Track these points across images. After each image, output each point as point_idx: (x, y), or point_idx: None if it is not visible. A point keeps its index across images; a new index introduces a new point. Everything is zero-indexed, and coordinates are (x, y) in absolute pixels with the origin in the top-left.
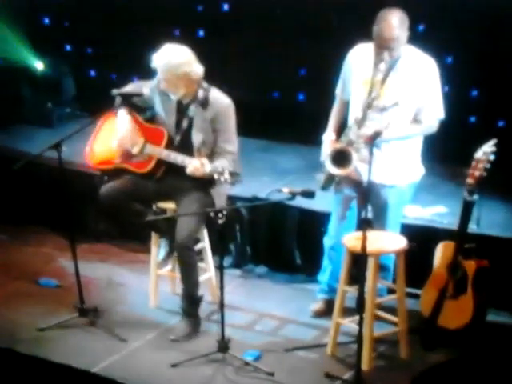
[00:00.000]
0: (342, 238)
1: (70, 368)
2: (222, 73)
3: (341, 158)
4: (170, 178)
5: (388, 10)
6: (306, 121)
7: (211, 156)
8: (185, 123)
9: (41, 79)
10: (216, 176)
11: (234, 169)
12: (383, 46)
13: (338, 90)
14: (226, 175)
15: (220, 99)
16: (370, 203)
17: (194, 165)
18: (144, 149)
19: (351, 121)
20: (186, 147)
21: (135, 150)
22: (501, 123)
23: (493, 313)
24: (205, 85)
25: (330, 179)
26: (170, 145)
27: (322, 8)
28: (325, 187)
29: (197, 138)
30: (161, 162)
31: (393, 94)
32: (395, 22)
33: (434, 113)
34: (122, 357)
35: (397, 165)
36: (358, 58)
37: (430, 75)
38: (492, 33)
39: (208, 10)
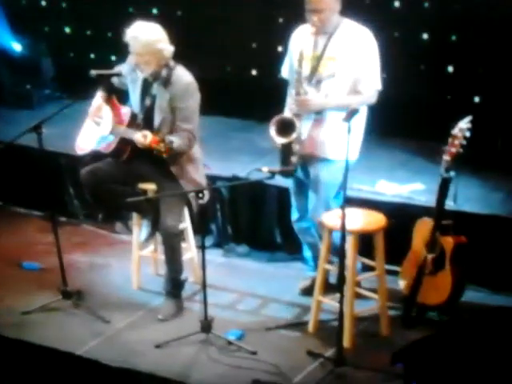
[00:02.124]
0: (301, 210)
1: (54, 351)
2: (198, 50)
3: (285, 127)
4: (141, 161)
5: None
6: (284, 99)
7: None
8: (148, 101)
9: (19, 61)
10: (155, 145)
11: (187, 146)
12: (312, 9)
13: (285, 72)
14: (162, 145)
15: (181, 78)
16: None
17: (137, 138)
18: (113, 130)
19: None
20: (148, 125)
21: (106, 131)
22: (476, 99)
23: (471, 288)
24: (171, 63)
25: (288, 172)
26: (133, 123)
27: None
28: (287, 173)
29: (157, 116)
30: (124, 142)
31: (330, 65)
32: None
33: (371, 84)
34: (106, 338)
35: (333, 140)
36: (299, 38)
37: (366, 46)
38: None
39: None
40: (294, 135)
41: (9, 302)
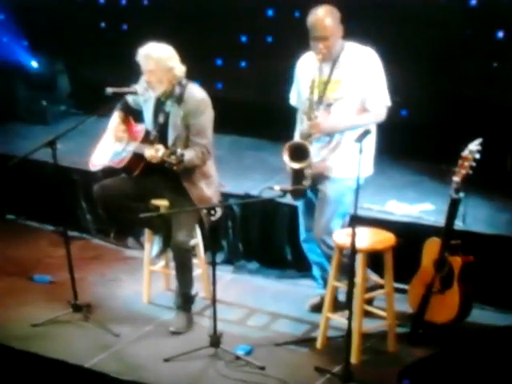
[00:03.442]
0: (309, 230)
1: (63, 363)
2: (215, 72)
3: (298, 152)
4: (154, 177)
5: (316, 6)
6: (294, 120)
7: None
8: (161, 118)
9: (35, 77)
10: (167, 158)
11: (200, 159)
12: (317, 36)
13: (293, 100)
14: (173, 158)
15: (193, 95)
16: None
17: (150, 152)
18: (126, 146)
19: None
20: (162, 142)
21: (119, 147)
22: (486, 121)
23: (477, 307)
24: (183, 81)
25: (299, 191)
26: (146, 140)
27: None
28: (298, 192)
29: (171, 133)
30: (137, 158)
31: (337, 88)
32: (324, 12)
33: (380, 101)
34: (115, 352)
35: (342, 159)
36: (305, 65)
37: (371, 65)
38: None
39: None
40: (308, 161)
41: (19, 314)
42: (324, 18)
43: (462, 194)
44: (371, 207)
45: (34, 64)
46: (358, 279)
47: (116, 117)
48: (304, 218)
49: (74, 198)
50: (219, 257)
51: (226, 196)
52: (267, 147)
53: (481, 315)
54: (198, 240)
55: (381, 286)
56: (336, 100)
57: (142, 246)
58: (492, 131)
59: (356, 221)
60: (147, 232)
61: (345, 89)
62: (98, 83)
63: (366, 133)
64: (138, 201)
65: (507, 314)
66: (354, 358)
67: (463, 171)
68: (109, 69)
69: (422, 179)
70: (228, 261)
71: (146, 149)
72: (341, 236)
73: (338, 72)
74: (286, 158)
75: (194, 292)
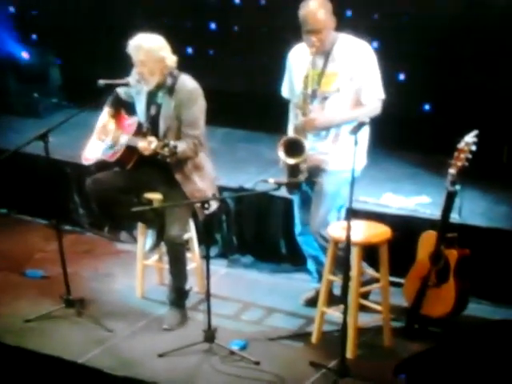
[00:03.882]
0: (305, 223)
1: (56, 359)
2: (209, 63)
3: (293, 146)
4: (147, 170)
5: None
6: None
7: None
8: (153, 110)
9: (27, 69)
10: (160, 150)
11: (193, 151)
12: (310, 29)
13: (285, 92)
14: (166, 150)
15: (185, 85)
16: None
17: (142, 144)
18: (118, 139)
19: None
20: (154, 134)
21: (109, 141)
22: (483, 113)
23: (473, 301)
24: (175, 72)
25: (293, 184)
26: (139, 132)
27: None
28: (293, 185)
29: (163, 124)
30: (130, 151)
31: (334, 81)
32: (316, 4)
33: (374, 94)
34: (109, 347)
35: (338, 151)
36: (298, 57)
37: (365, 58)
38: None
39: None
40: (303, 156)
41: (11, 309)
42: (316, 10)
43: (458, 187)
44: (367, 200)
45: (25, 55)
46: (354, 273)
47: (105, 113)
48: (300, 211)
49: (67, 191)
50: (213, 251)
51: (220, 189)
52: (261, 140)
53: (477, 309)
54: (191, 234)
55: (376, 280)
56: (333, 93)
57: (135, 240)
58: (488, 123)
59: (351, 214)
60: (140, 226)
61: (341, 81)
62: (90, 75)
63: (361, 125)
64: (131, 194)
65: (503, 308)
66: (349, 353)
67: (459, 163)
68: (101, 60)
69: (418, 171)
70: (222, 255)
71: (138, 141)
72: (336, 229)
73: (334, 65)
74: (281, 153)
75: (187, 287)
